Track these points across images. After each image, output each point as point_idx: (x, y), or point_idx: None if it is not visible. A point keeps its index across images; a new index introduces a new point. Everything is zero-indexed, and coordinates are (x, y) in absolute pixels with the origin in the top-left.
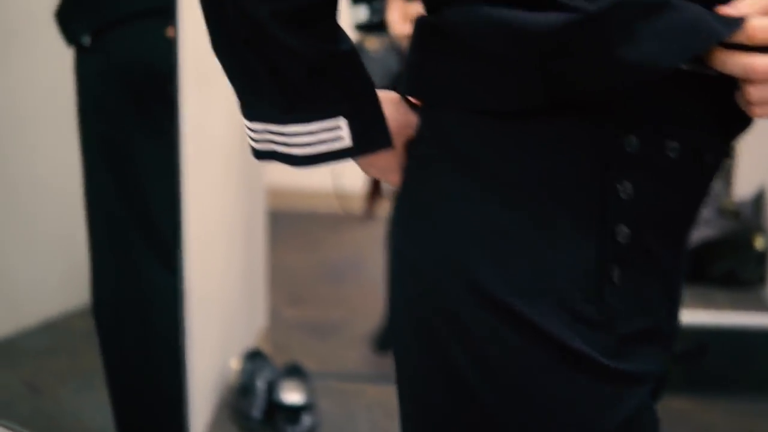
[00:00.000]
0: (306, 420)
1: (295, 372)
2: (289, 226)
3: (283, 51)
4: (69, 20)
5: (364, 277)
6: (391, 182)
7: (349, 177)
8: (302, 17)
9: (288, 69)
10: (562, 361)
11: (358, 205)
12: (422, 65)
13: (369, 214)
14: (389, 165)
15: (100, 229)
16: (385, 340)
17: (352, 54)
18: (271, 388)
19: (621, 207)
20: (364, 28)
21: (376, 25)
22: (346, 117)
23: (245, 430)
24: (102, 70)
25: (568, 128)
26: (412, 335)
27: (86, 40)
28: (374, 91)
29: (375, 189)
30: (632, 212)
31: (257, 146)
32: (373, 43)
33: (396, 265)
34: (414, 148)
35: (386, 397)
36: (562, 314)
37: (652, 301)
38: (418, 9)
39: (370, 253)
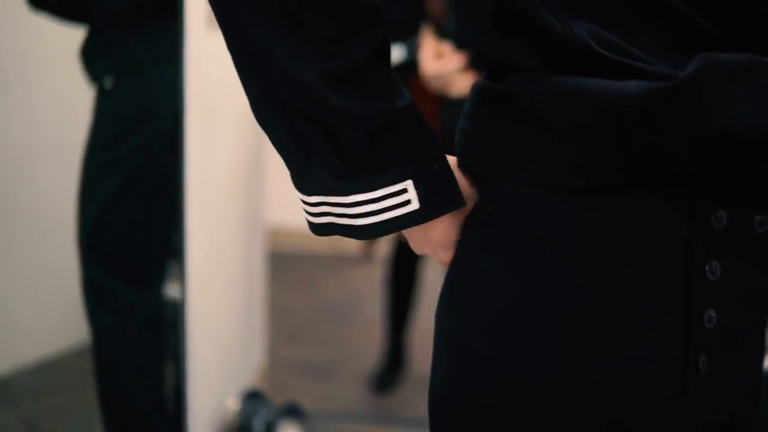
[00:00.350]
0: None
1: (293, 412)
2: (287, 267)
3: (337, 115)
4: (93, 61)
5: (361, 318)
6: (442, 260)
7: None
8: (354, 75)
9: (344, 134)
10: None
11: (354, 246)
12: (483, 136)
13: (366, 255)
14: (447, 238)
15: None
16: (383, 380)
17: (411, 109)
18: (270, 429)
19: (709, 290)
20: (400, 69)
21: (411, 65)
22: (412, 178)
23: None
24: (121, 112)
25: (652, 205)
26: (463, 423)
27: (109, 82)
28: (440, 147)
29: None
30: (720, 295)
31: (314, 220)
32: None
33: (449, 352)
34: (473, 226)
35: None
36: (645, 407)
37: (736, 390)
38: (451, 47)
39: (367, 294)
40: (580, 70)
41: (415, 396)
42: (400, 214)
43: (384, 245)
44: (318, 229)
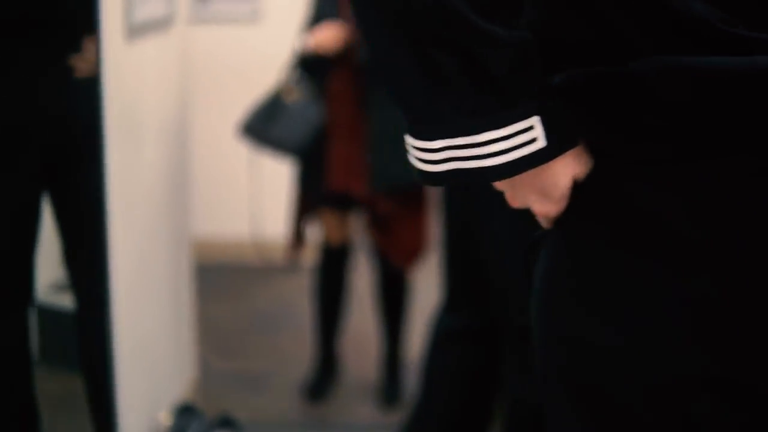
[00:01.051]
0: None
1: (226, 424)
2: (213, 278)
3: (484, 40)
4: None
5: (291, 327)
6: (542, 210)
7: (270, 226)
8: (498, 3)
9: (490, 62)
10: None
11: (280, 255)
12: (600, 118)
13: (292, 263)
14: (556, 185)
15: None
16: (316, 388)
17: (533, 44)
18: None
19: None
20: None
21: None
22: (539, 115)
23: None
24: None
25: None
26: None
27: None
28: (553, 90)
29: (298, 238)
30: None
31: (436, 168)
32: (291, 93)
33: (570, 345)
34: (590, 219)
35: None
36: None
37: None
38: None
39: (296, 303)
40: (696, 49)
41: (348, 402)
42: (528, 152)
43: (310, 254)
44: (439, 178)
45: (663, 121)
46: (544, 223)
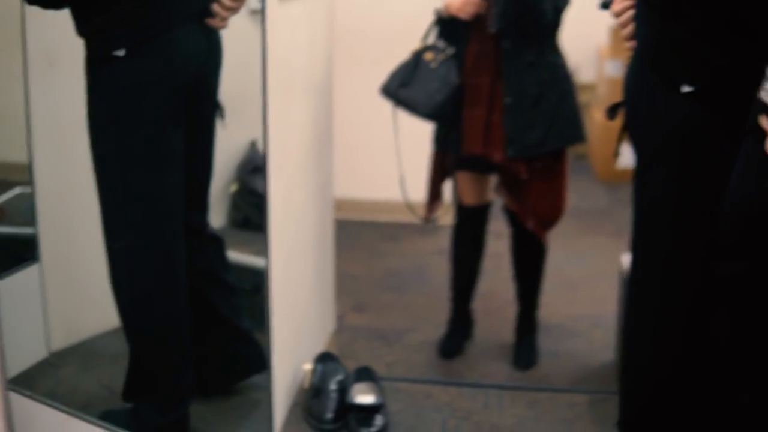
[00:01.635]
0: (378, 420)
1: (365, 374)
2: (351, 236)
3: None
4: (101, 35)
5: (426, 286)
6: None
7: (409, 186)
8: None
9: None
10: None
11: (417, 215)
12: None
13: (429, 223)
14: None
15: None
16: (449, 347)
17: None
18: (343, 389)
19: None
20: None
21: None
22: None
23: (318, 430)
24: (145, 78)
25: None
26: None
27: (121, 51)
28: None
29: (434, 198)
30: None
31: None
32: (431, 56)
33: None
34: None
35: (454, 398)
36: None
37: None
38: None
39: (431, 262)
40: None
41: (481, 361)
42: None
43: (447, 215)
44: None
45: None
46: None
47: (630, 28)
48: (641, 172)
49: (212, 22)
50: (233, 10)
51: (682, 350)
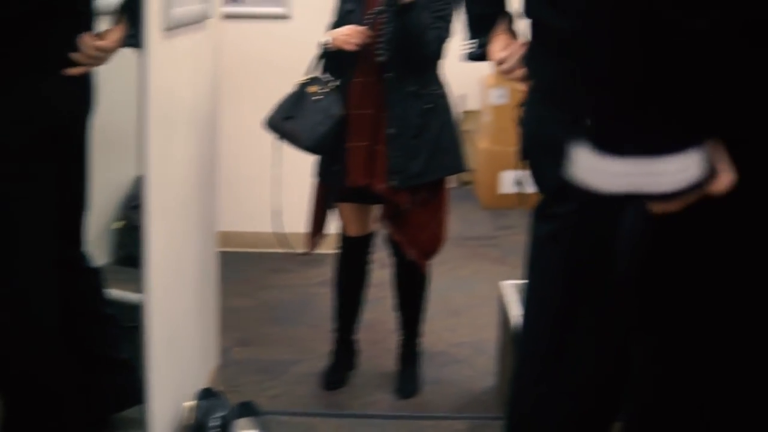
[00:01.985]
0: None
1: (247, 409)
2: (235, 269)
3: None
4: None
5: (311, 318)
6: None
7: (292, 218)
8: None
9: (703, 103)
10: None
11: (300, 247)
12: None
13: (312, 255)
14: None
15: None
16: (334, 378)
17: None
18: (225, 426)
19: None
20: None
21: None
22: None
23: None
24: (8, 117)
25: None
26: None
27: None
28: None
29: (317, 230)
30: None
31: (611, 188)
32: (315, 89)
33: None
34: None
35: (337, 430)
36: None
37: None
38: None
39: (315, 294)
40: None
41: (365, 391)
42: (698, 179)
43: (330, 245)
44: (614, 196)
45: None
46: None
47: (518, 72)
48: (544, 207)
49: (72, 71)
50: (96, 60)
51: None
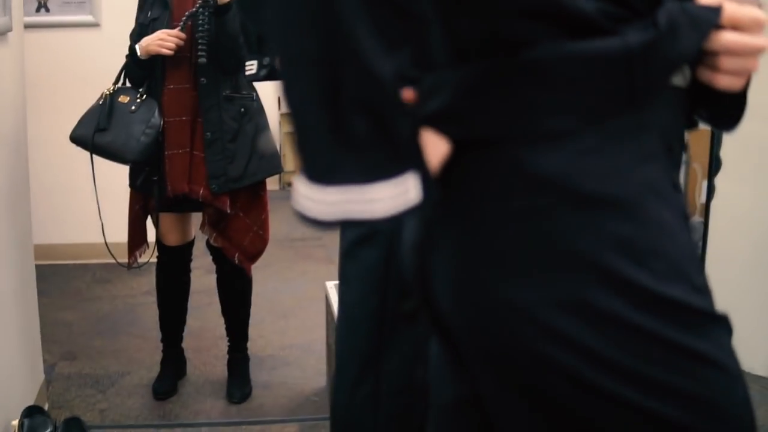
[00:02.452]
0: None
1: (74, 426)
2: (57, 282)
3: (398, 109)
4: None
5: (137, 328)
6: None
7: (112, 229)
8: (411, 78)
9: (399, 127)
10: None
11: (122, 258)
12: (494, 103)
13: (133, 264)
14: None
15: None
16: (163, 387)
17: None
18: None
19: (679, 196)
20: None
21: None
22: (413, 171)
23: None
24: None
25: (649, 139)
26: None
27: None
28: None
29: (138, 239)
30: (681, 199)
31: (327, 216)
32: (126, 98)
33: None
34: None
35: None
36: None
37: None
38: None
39: (140, 304)
40: (582, 35)
41: (196, 399)
42: (405, 203)
43: (154, 253)
44: (327, 224)
45: (564, 95)
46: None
47: None
48: None
49: None
50: None
51: None
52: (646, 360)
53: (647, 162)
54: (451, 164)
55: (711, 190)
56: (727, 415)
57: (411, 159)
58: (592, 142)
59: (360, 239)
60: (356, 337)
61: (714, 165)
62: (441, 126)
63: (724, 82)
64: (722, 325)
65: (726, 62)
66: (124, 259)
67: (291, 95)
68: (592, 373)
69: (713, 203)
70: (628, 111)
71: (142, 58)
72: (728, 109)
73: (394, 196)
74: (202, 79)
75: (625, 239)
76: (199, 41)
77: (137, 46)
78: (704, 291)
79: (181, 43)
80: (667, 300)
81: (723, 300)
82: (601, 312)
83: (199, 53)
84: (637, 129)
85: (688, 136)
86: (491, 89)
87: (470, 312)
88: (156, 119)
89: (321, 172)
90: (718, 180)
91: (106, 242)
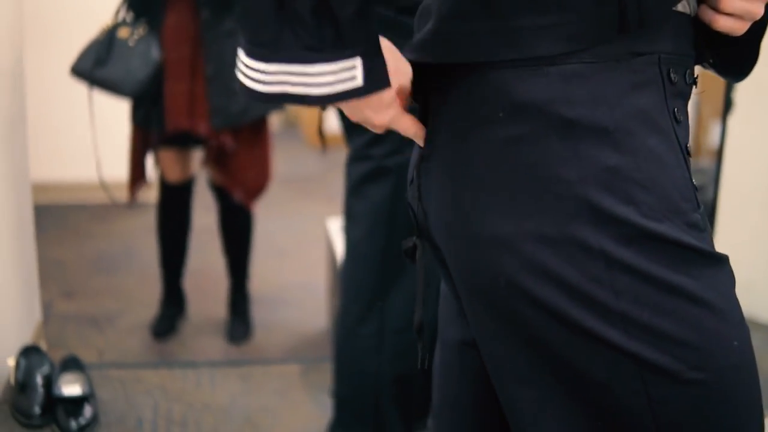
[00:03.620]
0: (87, 411)
1: (72, 365)
2: (56, 220)
3: None
4: None
5: (136, 266)
6: (378, 124)
7: (113, 166)
8: None
9: (339, 5)
10: None
11: (122, 195)
12: (475, 27)
13: (134, 203)
14: (381, 104)
15: None
16: (162, 326)
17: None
18: (49, 383)
19: (681, 129)
20: None
21: None
22: (362, 57)
23: (26, 426)
24: None
25: (643, 66)
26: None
27: None
28: (377, 34)
29: (138, 176)
30: (684, 133)
31: (266, 89)
32: (126, 32)
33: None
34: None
35: (165, 380)
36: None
37: None
38: None
39: (140, 242)
40: None
41: (195, 339)
42: (347, 88)
43: (152, 192)
44: (268, 97)
45: (552, 20)
46: (402, 129)
47: None
48: (360, 149)
49: None
50: None
51: None
52: (628, 298)
53: (640, 90)
54: (438, 92)
55: (724, 132)
56: (719, 364)
57: (357, 44)
58: (580, 68)
59: (367, 176)
60: (362, 273)
61: (727, 106)
62: (428, 50)
63: (724, 24)
64: (719, 266)
65: (726, 2)
66: (123, 198)
67: None
68: (574, 310)
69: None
70: (618, 38)
71: None
72: (735, 58)
73: (334, 78)
74: (204, 12)
75: (611, 169)
76: None
77: None
78: (699, 228)
79: None
80: (654, 235)
81: (735, 243)
82: (582, 245)
83: None
84: (628, 56)
85: (698, 71)
86: (478, 12)
87: (458, 244)
88: (154, 54)
89: (263, 47)
90: (730, 122)
91: (100, 179)
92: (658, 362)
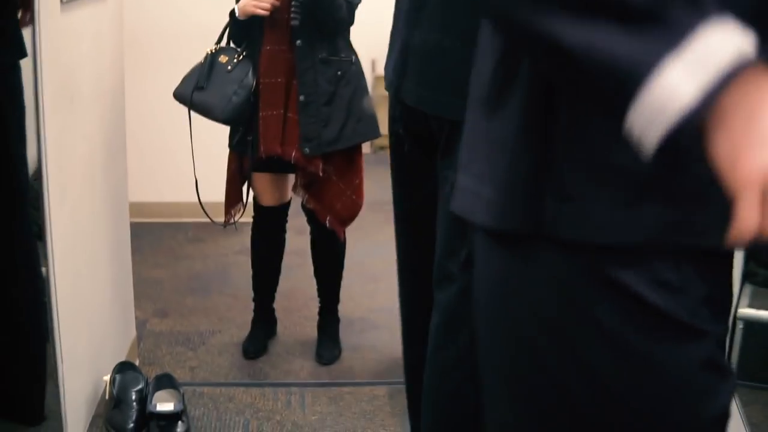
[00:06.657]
0: (179, 427)
1: (165, 382)
2: (152, 241)
3: None
4: None
5: (229, 288)
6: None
7: (209, 189)
8: None
9: None
10: None
11: (218, 218)
12: None
13: (228, 223)
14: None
15: None
16: (253, 347)
17: None
18: (143, 399)
19: None
20: None
21: None
22: None
23: None
24: None
25: None
26: None
27: None
28: None
29: (234, 198)
30: None
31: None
32: (225, 58)
33: None
34: None
35: (256, 399)
36: None
37: None
38: None
39: (233, 264)
40: None
41: (286, 359)
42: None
43: (247, 214)
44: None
45: None
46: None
47: None
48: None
49: None
50: None
51: None
52: None
53: None
54: None
55: None
56: None
57: None
58: None
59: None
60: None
61: None
62: None
63: None
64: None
65: None
66: (219, 219)
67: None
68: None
69: None
70: None
71: (240, 18)
72: None
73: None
74: (298, 41)
75: None
76: (293, 2)
77: (236, 6)
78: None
79: (277, 3)
80: None
81: None
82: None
83: (293, 15)
84: None
85: None
86: None
87: None
88: (249, 79)
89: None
90: None
91: (199, 200)
92: None
